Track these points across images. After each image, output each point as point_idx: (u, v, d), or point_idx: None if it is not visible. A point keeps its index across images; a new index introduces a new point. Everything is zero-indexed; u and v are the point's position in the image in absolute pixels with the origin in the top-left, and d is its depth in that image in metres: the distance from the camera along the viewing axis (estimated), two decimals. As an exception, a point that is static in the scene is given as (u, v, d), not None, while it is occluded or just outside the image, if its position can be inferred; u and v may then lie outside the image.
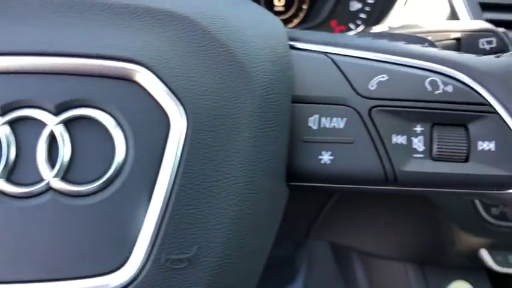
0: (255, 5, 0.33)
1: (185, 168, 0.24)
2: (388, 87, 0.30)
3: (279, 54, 0.29)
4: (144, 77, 0.25)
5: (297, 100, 0.30)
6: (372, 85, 0.30)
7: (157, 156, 0.24)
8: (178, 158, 0.24)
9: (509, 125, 0.28)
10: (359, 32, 0.45)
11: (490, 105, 0.29)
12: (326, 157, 0.29)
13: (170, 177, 0.24)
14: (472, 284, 0.81)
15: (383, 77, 0.30)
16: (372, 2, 0.65)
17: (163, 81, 0.25)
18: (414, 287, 0.83)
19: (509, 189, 0.29)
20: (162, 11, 0.26)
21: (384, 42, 0.33)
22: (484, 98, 0.29)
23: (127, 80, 0.25)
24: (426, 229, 0.75)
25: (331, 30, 0.67)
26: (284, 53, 0.30)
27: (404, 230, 0.76)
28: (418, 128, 0.29)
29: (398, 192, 0.31)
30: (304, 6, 0.69)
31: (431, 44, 0.38)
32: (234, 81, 0.26)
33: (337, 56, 0.31)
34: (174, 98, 0.25)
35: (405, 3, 0.62)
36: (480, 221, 0.65)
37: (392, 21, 0.63)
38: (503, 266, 0.73)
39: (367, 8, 0.66)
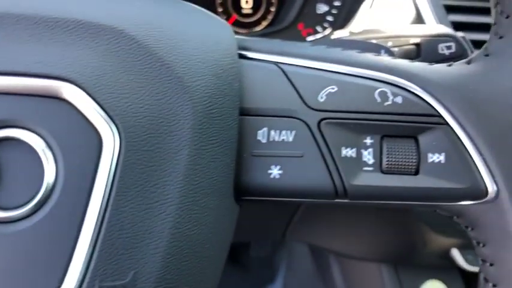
0: (203, 12, 0.32)
1: (118, 190, 0.23)
2: (338, 99, 0.29)
3: (224, 66, 0.28)
4: (74, 95, 0.24)
5: (245, 112, 0.29)
6: (322, 97, 0.29)
7: (88, 179, 0.23)
8: (111, 180, 0.23)
9: (460, 136, 0.28)
10: (317, 39, 0.44)
11: (440, 116, 0.28)
12: (275, 171, 0.29)
13: (103, 201, 0.23)
14: (445, 282, 0.82)
15: (333, 88, 0.29)
16: (338, 4, 0.65)
17: (94, 99, 0.24)
18: (388, 287, 0.83)
19: (460, 201, 0.29)
20: (94, 25, 0.25)
21: (337, 52, 0.32)
22: (434, 108, 0.28)
23: (56, 98, 0.24)
24: (398, 231, 0.75)
25: (298, 33, 0.66)
26: (230, 64, 0.29)
27: (377, 232, 0.76)
28: (368, 141, 0.29)
29: (350, 205, 0.30)
30: (272, 9, 0.68)
31: (388, 51, 0.37)
32: (173, 97, 0.25)
33: (288, 66, 0.30)
34: (106, 117, 0.24)
35: (371, 5, 0.62)
36: (450, 221, 0.66)
37: (359, 23, 0.62)
38: (473, 265, 0.74)
39: (333, 11, 0.65)
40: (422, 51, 0.43)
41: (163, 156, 0.24)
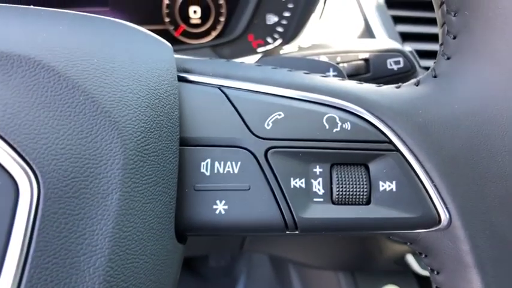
0: (138, 33, 0.29)
1: (38, 245, 0.20)
2: (285, 126, 0.27)
3: (160, 95, 0.26)
4: None
5: (186, 143, 0.27)
6: (268, 124, 0.27)
7: (3, 234, 0.20)
8: (29, 234, 0.20)
9: (410, 163, 0.27)
10: (262, 57, 0.43)
11: (390, 142, 0.27)
12: (221, 206, 0.27)
13: (20, 257, 0.20)
14: (401, 287, 0.83)
15: (279, 115, 0.28)
16: (288, 15, 0.64)
17: (6, 141, 0.21)
18: (347, 294, 0.84)
19: (413, 229, 0.28)
20: (7, 54, 0.22)
21: (284, 73, 0.30)
22: (384, 134, 0.27)
23: None
24: (355, 240, 0.75)
25: (248, 44, 0.65)
26: (168, 91, 0.26)
27: (334, 241, 0.76)
28: (317, 169, 0.27)
29: (301, 235, 0.29)
30: (222, 19, 0.66)
31: (336, 69, 0.36)
32: (99, 135, 0.22)
33: (232, 91, 0.29)
34: (21, 161, 0.21)
35: (320, 16, 0.61)
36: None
37: (309, 34, 0.62)
38: (427, 269, 0.75)
39: (283, 22, 0.64)
40: (371, 66, 0.43)
41: (90, 202, 0.22)
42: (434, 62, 0.30)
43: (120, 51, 0.26)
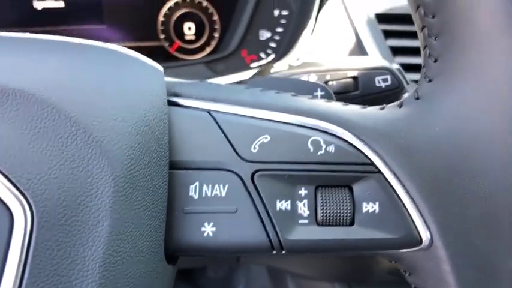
0: (128, 59, 0.30)
1: (32, 271, 0.21)
2: (271, 149, 0.28)
3: (150, 121, 0.27)
4: None
5: (176, 166, 0.28)
6: (255, 147, 0.28)
7: None
8: (23, 260, 0.21)
9: (392, 184, 0.28)
10: (252, 77, 0.44)
11: (373, 164, 0.28)
12: (209, 229, 0.27)
13: (15, 283, 0.21)
14: (398, 297, 0.83)
15: (266, 138, 0.29)
16: (280, 30, 0.65)
17: (0, 172, 0.21)
18: (344, 305, 0.84)
19: (394, 249, 0.29)
20: (1, 89, 0.23)
21: (271, 96, 0.31)
22: (367, 156, 0.28)
23: None
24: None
25: (242, 59, 0.66)
26: (158, 117, 0.27)
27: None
28: (303, 191, 0.28)
29: (288, 255, 0.29)
30: (216, 35, 0.67)
31: (323, 89, 0.37)
32: (90, 164, 0.23)
33: (221, 115, 0.29)
34: (16, 191, 0.22)
35: (312, 31, 0.62)
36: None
37: (301, 49, 0.63)
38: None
39: (276, 37, 0.65)
40: (360, 84, 0.43)
41: (81, 229, 0.23)
42: (418, 83, 0.31)
43: (110, 79, 0.27)
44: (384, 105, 0.31)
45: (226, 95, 0.31)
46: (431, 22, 0.29)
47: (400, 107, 0.30)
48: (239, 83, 0.43)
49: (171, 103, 0.30)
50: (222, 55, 0.65)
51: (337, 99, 0.44)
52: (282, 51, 0.64)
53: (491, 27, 0.28)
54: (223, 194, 0.28)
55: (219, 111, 0.29)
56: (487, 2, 0.27)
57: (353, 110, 0.30)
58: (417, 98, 0.30)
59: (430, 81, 0.30)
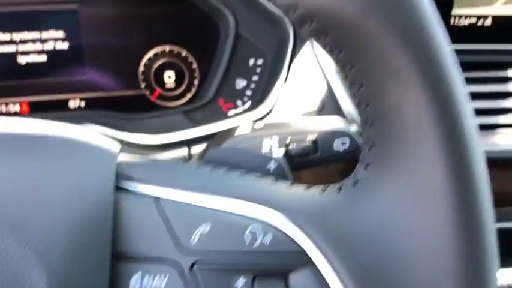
0: (83, 147, 0.31)
1: None
2: (210, 240, 0.29)
3: (93, 218, 0.28)
4: None
5: (118, 256, 0.29)
6: (195, 238, 0.29)
7: None
8: None
9: (326, 275, 0.28)
10: (218, 137, 0.45)
11: (306, 254, 0.29)
12: None
13: None
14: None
15: (207, 226, 0.30)
16: (256, 79, 0.67)
17: None
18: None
19: None
20: None
21: (218, 179, 0.33)
22: (301, 247, 0.29)
23: None
24: None
25: (219, 108, 0.68)
26: (102, 211, 0.28)
27: None
28: (241, 281, 0.29)
29: None
30: (196, 82, 0.69)
31: (276, 162, 0.39)
32: (27, 272, 0.25)
33: (166, 202, 0.30)
34: None
35: (285, 80, 0.64)
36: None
37: (274, 98, 0.65)
38: None
39: (252, 85, 0.67)
40: (319, 147, 0.45)
41: None
42: (356, 168, 0.33)
43: (52, 176, 0.28)
44: (326, 186, 0.33)
45: (175, 179, 0.32)
46: (365, 111, 0.30)
47: (339, 192, 0.31)
48: (204, 151, 0.45)
49: (120, 189, 0.31)
50: (200, 104, 0.67)
51: (298, 162, 0.46)
52: (257, 99, 0.66)
53: (418, 120, 0.29)
54: (163, 285, 0.29)
55: (165, 199, 0.31)
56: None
57: (295, 193, 0.32)
58: (355, 182, 0.31)
59: (366, 166, 0.31)
